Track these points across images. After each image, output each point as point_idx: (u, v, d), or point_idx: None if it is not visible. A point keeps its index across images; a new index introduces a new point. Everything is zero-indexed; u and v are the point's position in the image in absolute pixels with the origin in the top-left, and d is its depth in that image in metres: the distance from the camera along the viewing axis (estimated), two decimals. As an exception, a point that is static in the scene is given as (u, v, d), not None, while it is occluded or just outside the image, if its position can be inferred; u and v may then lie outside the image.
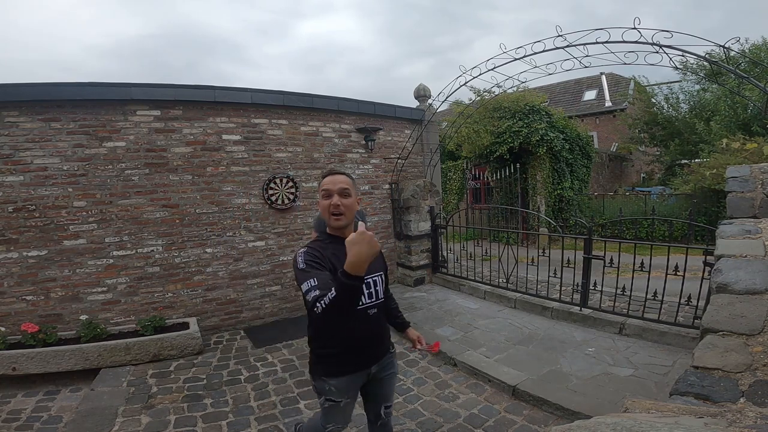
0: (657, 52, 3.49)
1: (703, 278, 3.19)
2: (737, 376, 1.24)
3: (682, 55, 3.52)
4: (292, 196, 5.05)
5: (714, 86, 11.18)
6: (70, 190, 3.92)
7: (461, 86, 4.98)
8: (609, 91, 19.18)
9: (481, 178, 10.87)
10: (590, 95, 20.01)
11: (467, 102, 9.50)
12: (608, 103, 18.73)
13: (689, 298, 3.54)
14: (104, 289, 4.09)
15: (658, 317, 3.64)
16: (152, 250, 4.29)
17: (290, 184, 5.03)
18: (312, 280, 1.39)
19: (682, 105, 13.74)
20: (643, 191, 12.52)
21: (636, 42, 3.46)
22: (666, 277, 3.54)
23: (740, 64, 6.22)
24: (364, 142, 5.69)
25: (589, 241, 4.08)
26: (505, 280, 5.02)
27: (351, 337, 1.62)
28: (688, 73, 11.05)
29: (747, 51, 10.61)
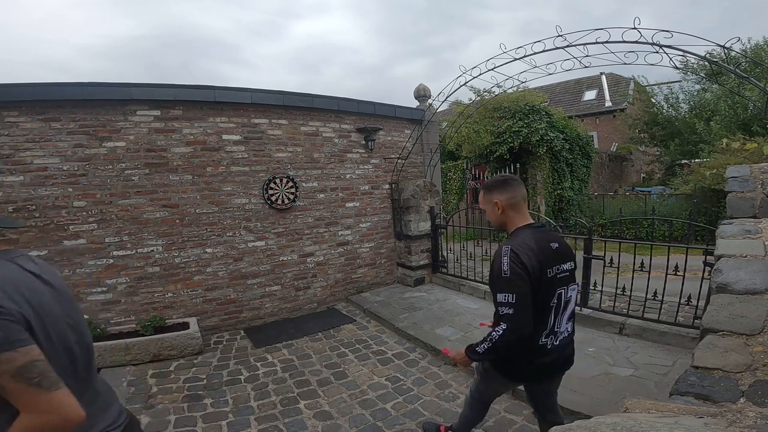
0: (657, 52, 3.48)
1: (703, 278, 3.18)
2: (737, 376, 1.24)
3: (683, 55, 3.51)
4: (292, 196, 5.05)
5: (714, 86, 11.18)
6: (70, 190, 3.92)
7: (461, 86, 4.97)
8: (609, 91, 19.19)
9: (481, 178, 10.87)
10: (590, 95, 20.01)
11: (467, 102, 9.51)
12: (608, 103, 18.74)
13: (689, 298, 3.53)
14: (104, 289, 4.08)
15: (658, 317, 3.64)
16: (152, 250, 4.30)
17: (290, 184, 5.03)
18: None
19: (682, 105, 13.76)
20: (643, 191, 12.52)
21: (636, 42, 3.45)
22: (666, 277, 3.54)
23: (740, 63, 6.22)
24: (364, 142, 5.70)
25: (589, 241, 4.08)
26: (505, 280, 5.00)
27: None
28: (689, 73, 11.06)
29: (748, 51, 10.62)
